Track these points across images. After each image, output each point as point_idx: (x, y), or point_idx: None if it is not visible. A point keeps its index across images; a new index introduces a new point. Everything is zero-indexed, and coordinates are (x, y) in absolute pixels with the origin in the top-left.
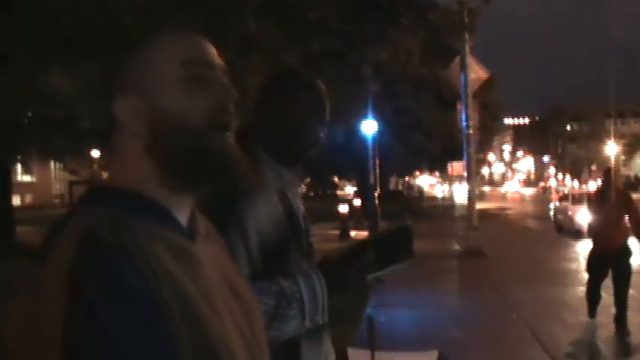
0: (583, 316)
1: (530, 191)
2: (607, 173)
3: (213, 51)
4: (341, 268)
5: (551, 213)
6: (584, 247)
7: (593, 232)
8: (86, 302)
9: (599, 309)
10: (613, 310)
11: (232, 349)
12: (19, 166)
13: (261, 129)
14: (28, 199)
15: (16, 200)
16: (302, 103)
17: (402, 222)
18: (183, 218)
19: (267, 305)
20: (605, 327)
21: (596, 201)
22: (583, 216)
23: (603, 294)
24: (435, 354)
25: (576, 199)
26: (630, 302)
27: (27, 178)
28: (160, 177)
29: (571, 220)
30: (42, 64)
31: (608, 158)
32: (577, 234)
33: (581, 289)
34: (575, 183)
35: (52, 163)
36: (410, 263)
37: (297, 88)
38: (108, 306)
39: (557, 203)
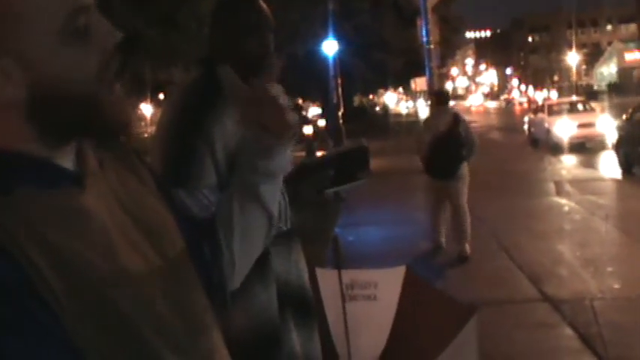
0: (548, 225)
1: (494, 104)
2: None
3: None
4: (296, 182)
5: (525, 127)
6: (558, 160)
7: None
8: None
9: None
10: None
11: (141, 290)
12: None
13: (220, 52)
14: None
15: None
16: (246, 17)
17: (358, 142)
18: (68, 161)
19: None
20: None
21: None
22: (562, 128)
23: None
24: (402, 269)
25: (553, 110)
26: None
27: None
28: (39, 137)
29: (548, 133)
30: None
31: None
32: (555, 148)
33: (548, 199)
34: (554, 94)
35: None
36: (367, 181)
37: (240, 6)
38: None
39: (532, 115)
